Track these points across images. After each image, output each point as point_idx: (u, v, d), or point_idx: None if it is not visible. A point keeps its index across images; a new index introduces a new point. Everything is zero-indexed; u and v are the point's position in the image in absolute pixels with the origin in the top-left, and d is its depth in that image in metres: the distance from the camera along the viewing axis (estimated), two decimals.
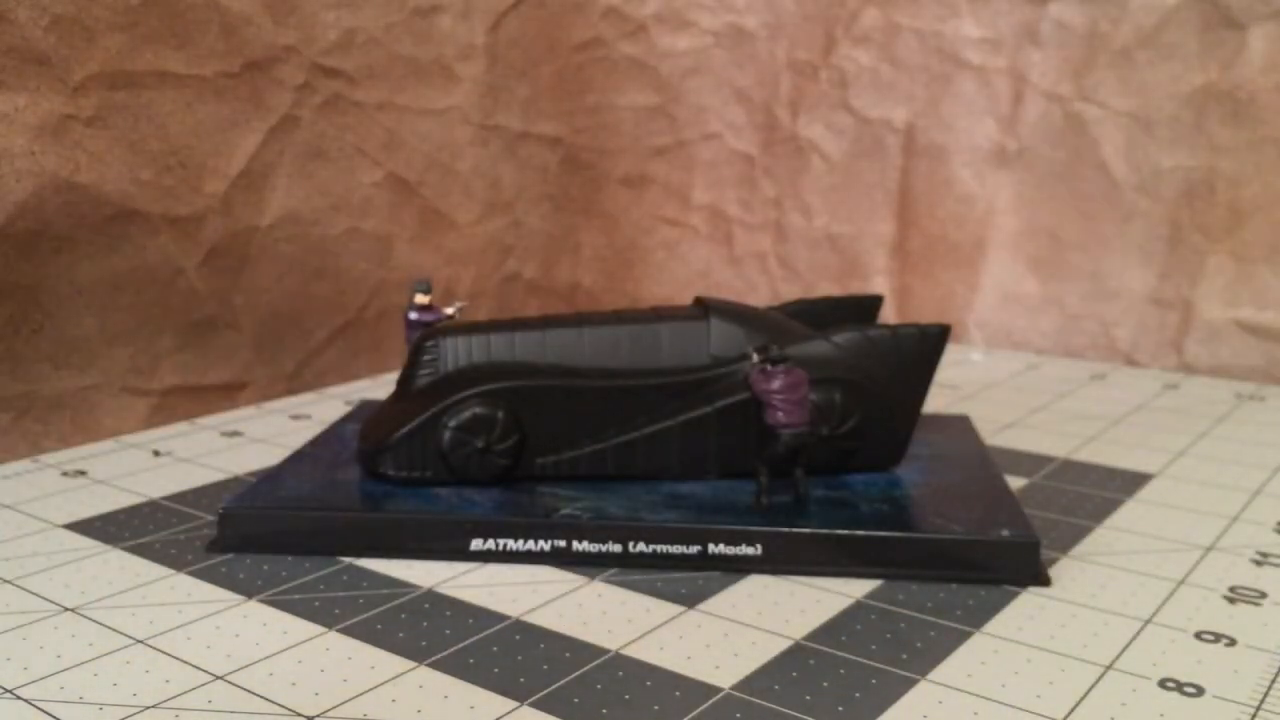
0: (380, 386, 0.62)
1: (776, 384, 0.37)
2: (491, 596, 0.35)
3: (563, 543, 0.37)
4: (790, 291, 0.82)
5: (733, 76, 0.81)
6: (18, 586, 0.35)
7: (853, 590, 0.35)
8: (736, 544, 0.37)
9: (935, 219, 0.76)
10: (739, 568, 0.37)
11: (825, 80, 0.79)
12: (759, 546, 0.37)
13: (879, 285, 0.79)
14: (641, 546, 0.37)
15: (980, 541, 0.36)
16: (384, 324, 0.68)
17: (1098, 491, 0.45)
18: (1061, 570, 0.37)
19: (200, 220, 0.58)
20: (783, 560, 0.37)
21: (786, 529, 0.37)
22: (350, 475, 0.41)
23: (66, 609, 0.34)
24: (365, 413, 0.50)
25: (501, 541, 0.37)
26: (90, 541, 0.39)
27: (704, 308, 0.43)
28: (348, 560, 0.37)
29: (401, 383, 0.42)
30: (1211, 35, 0.65)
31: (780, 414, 0.37)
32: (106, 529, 0.40)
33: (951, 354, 0.70)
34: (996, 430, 0.53)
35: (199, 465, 0.47)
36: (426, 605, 0.34)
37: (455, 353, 0.42)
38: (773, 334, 0.42)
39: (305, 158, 0.63)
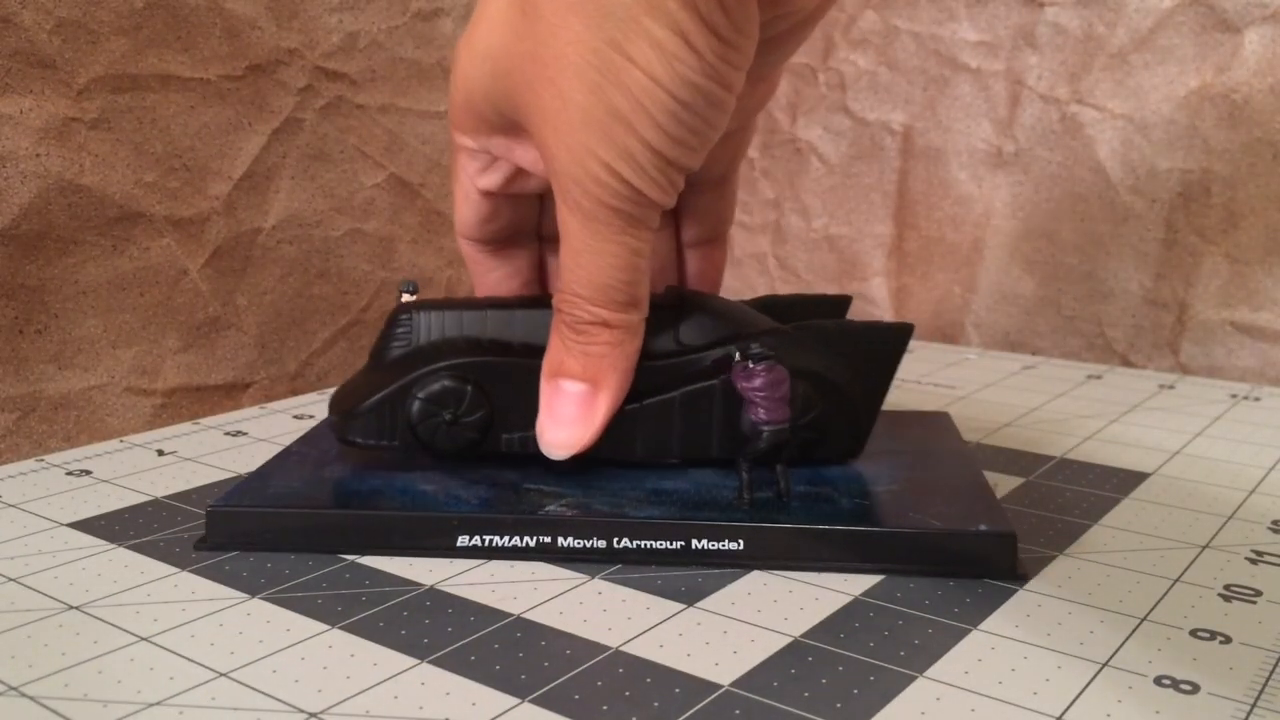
0: None
1: (758, 382, 0.38)
2: (492, 594, 0.35)
3: (548, 539, 0.37)
4: (790, 292, 0.82)
5: None
6: (23, 585, 0.36)
7: (851, 587, 0.36)
8: (719, 539, 0.37)
9: (933, 221, 0.76)
10: (721, 563, 0.37)
11: (824, 83, 0.80)
12: (741, 542, 0.37)
13: (877, 286, 0.79)
14: (626, 542, 0.37)
15: (957, 535, 0.36)
16: None
17: (1094, 490, 0.45)
18: (1058, 568, 0.37)
19: (204, 222, 0.58)
20: (764, 555, 0.37)
21: (768, 524, 0.37)
22: (338, 473, 0.42)
23: (71, 607, 0.34)
24: None
25: (487, 537, 0.38)
26: (95, 540, 0.39)
27: (675, 295, 0.43)
28: (350, 558, 0.38)
29: (374, 354, 0.43)
30: (1207, 38, 0.65)
31: (762, 411, 0.38)
32: (111, 528, 0.40)
33: (948, 354, 0.70)
34: (993, 430, 0.53)
35: (203, 465, 0.48)
36: (428, 603, 0.35)
37: (429, 327, 0.42)
38: (739, 324, 0.42)
39: (308, 160, 0.63)
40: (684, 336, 0.42)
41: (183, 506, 0.43)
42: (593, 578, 0.36)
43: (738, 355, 0.39)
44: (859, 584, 0.36)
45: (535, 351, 0.41)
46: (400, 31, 0.67)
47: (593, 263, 0.37)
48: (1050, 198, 0.71)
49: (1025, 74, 0.71)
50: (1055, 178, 0.71)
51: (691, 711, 0.29)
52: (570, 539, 0.37)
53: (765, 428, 0.38)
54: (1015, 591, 0.35)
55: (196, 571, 0.37)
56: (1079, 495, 0.44)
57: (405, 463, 0.43)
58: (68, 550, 0.38)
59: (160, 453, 0.49)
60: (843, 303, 0.48)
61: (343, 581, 0.36)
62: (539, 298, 0.44)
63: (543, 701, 0.29)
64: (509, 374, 0.41)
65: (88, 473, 0.47)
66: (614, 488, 0.40)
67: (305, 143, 0.63)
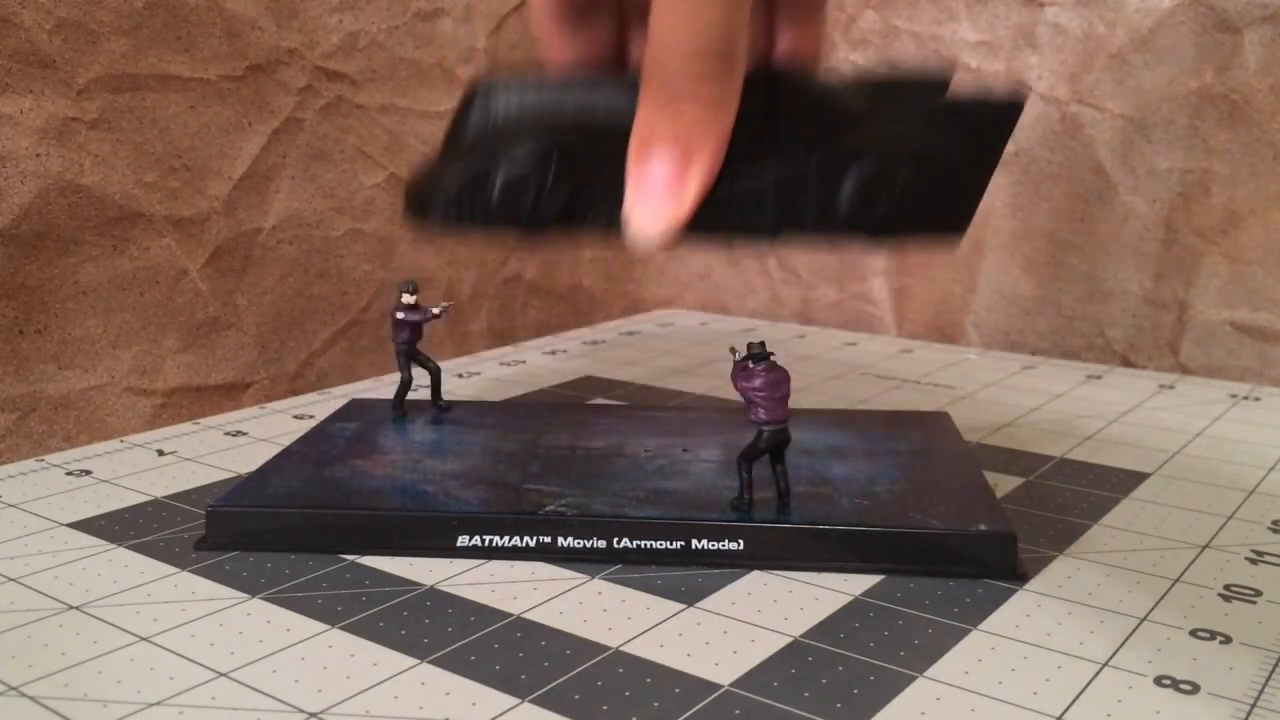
0: (383, 387, 0.62)
1: (758, 382, 0.38)
2: (492, 594, 0.35)
3: (548, 539, 0.38)
4: (791, 293, 0.82)
5: None
6: (23, 585, 0.36)
7: (851, 587, 0.36)
8: (719, 539, 0.37)
9: None
10: (721, 563, 0.37)
11: None
12: (741, 542, 0.37)
13: (877, 286, 0.79)
14: (626, 542, 0.37)
15: (957, 535, 0.36)
16: (386, 325, 0.68)
17: (1094, 490, 0.45)
18: (1058, 568, 0.37)
19: (204, 222, 0.58)
20: (764, 555, 0.37)
21: (768, 524, 0.37)
22: (338, 473, 0.42)
23: (71, 607, 0.34)
24: (353, 410, 0.51)
25: (487, 537, 0.38)
26: (95, 540, 0.39)
27: (767, 73, 0.40)
28: (350, 558, 0.38)
29: (449, 136, 0.40)
30: (1207, 38, 0.65)
31: (761, 410, 0.38)
32: (111, 528, 0.40)
33: (948, 354, 0.70)
34: (993, 430, 0.53)
35: (203, 465, 0.48)
36: (428, 603, 0.35)
37: (506, 105, 0.41)
38: (835, 102, 0.39)
39: (308, 160, 0.63)
40: (777, 116, 0.39)
41: (183, 506, 0.43)
42: (593, 578, 0.36)
43: (737, 355, 0.39)
44: (859, 584, 0.36)
45: (620, 131, 0.38)
46: (400, 31, 0.67)
47: (688, 8, 0.33)
48: (1050, 197, 0.71)
49: (1025, 74, 0.71)
50: (1055, 178, 0.71)
51: (691, 711, 0.29)
52: (570, 539, 0.37)
53: (765, 427, 0.38)
54: (1015, 591, 0.35)
55: (196, 571, 0.37)
56: (1079, 495, 0.44)
57: (407, 461, 0.43)
58: (68, 550, 0.38)
59: (160, 453, 0.49)
60: (942, 81, 0.46)
61: (343, 581, 0.36)
62: (622, 75, 0.41)
63: (543, 701, 0.29)
64: (594, 148, 0.38)
65: (88, 473, 0.47)
66: (614, 488, 0.40)
67: (305, 143, 0.63)
